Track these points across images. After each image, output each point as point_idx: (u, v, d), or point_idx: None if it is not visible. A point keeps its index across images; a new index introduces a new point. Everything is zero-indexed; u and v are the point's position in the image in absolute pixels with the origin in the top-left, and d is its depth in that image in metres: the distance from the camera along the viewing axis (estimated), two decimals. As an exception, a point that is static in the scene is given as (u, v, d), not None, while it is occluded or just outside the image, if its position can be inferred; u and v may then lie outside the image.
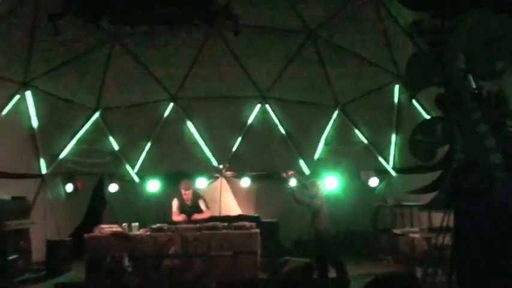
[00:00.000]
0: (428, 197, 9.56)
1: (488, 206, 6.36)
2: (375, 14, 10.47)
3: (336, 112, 13.21)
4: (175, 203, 9.91)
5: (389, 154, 13.11)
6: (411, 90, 6.84)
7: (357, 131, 13.23)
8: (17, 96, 11.45)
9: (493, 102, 5.99)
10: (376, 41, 11.00)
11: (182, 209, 9.84)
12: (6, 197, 10.35)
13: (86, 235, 9.28)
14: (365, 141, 13.21)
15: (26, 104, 11.69)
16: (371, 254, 12.55)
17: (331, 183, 12.89)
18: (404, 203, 11.93)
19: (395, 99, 12.38)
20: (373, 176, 13.21)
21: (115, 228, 9.32)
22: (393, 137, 12.87)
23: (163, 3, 7.66)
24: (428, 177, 9.34)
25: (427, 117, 10.44)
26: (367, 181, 13.27)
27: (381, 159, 13.16)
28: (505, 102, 6.00)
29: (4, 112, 11.23)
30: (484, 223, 6.44)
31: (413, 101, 10.75)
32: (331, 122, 13.28)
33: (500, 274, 6.45)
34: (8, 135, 11.33)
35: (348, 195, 13.05)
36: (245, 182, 13.29)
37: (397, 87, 12.25)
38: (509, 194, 6.29)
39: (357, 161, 13.20)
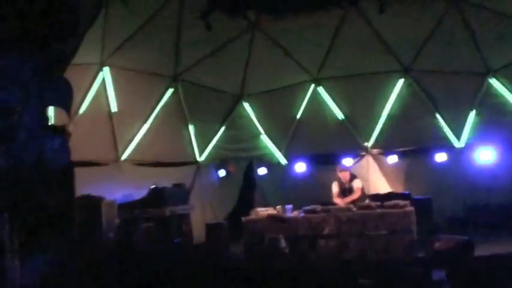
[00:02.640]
0: None
1: None
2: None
3: (488, 79, 12.39)
4: (335, 186, 10.07)
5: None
6: None
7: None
8: (170, 90, 12.25)
9: None
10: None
11: (341, 191, 9.99)
12: (168, 184, 11.13)
13: (243, 218, 9.73)
14: (523, 109, 12.26)
15: (179, 96, 12.47)
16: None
17: (486, 156, 12.18)
18: None
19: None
20: (534, 147, 12.22)
21: (270, 210, 9.66)
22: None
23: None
24: None
25: None
26: (528, 151, 12.31)
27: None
28: None
29: (160, 105, 12.11)
30: None
31: None
32: (483, 90, 12.47)
33: None
34: (165, 127, 12.23)
35: (504, 168, 12.22)
36: (392, 158, 12.97)
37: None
38: None
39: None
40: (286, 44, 12.29)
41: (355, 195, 9.94)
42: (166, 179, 11.44)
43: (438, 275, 7.90)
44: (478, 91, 12.51)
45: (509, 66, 11.99)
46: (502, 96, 12.35)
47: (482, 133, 12.41)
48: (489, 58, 12.01)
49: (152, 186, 10.61)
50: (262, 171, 13.46)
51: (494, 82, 12.35)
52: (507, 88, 12.28)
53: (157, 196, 10.37)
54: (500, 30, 11.31)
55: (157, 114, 12.11)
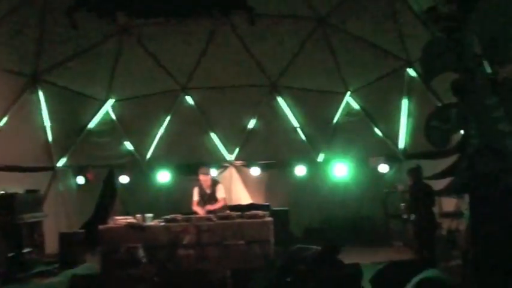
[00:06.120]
0: (439, 183, 9.63)
1: (503, 191, 6.36)
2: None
3: (346, 99, 13.20)
4: (195, 192, 9.97)
5: (398, 140, 13.10)
6: (426, 76, 6.82)
7: (366, 117, 13.21)
8: (28, 90, 11.47)
9: (508, 87, 5.96)
10: (387, 27, 10.95)
11: (201, 197, 9.90)
12: (20, 190, 10.40)
13: (100, 226, 9.34)
14: (375, 127, 13.20)
15: (38, 97, 11.72)
16: (382, 240, 12.61)
17: (340, 170, 12.93)
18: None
19: (405, 85, 12.36)
20: (383, 162, 13.17)
21: (129, 219, 9.39)
22: (403, 123, 12.84)
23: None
24: (438, 163, 9.42)
25: (439, 103, 10.44)
26: (377, 167, 13.23)
27: (390, 145, 13.16)
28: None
29: (16, 106, 11.28)
30: (499, 208, 6.45)
31: (425, 87, 10.74)
32: (341, 108, 13.25)
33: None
34: (20, 129, 11.40)
35: (357, 182, 13.09)
36: (255, 170, 13.30)
37: (407, 74, 12.23)
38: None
39: (366, 147, 13.18)
40: (156, 51, 12.13)
41: (219, 204, 9.92)
42: (18, 184, 10.69)
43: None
44: (337, 109, 13.27)
45: (365, 87, 12.87)
46: (358, 115, 13.21)
47: (339, 149, 13.16)
48: (347, 78, 12.80)
49: (0, 192, 9.84)
50: (124, 179, 13.08)
51: (351, 101, 13.19)
52: (362, 108, 13.16)
53: (5, 202, 9.62)
54: (358, 53, 12.11)
55: (13, 115, 11.27)
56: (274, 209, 11.54)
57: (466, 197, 7.56)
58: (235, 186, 13.38)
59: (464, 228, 8.82)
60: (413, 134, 12.42)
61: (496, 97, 6.02)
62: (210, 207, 9.77)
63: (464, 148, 6.48)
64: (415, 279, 2.04)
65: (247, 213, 9.51)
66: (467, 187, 6.48)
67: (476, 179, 6.29)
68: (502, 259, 6.38)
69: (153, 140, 13.25)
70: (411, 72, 11.92)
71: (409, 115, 12.62)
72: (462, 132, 6.62)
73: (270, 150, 13.34)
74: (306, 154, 13.36)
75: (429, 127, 6.49)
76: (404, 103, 12.50)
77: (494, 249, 6.53)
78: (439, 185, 9.18)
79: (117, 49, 11.97)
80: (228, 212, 9.78)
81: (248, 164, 13.42)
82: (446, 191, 7.45)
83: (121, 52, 12.03)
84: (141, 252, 8.93)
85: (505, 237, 6.48)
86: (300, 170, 13.10)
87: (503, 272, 6.31)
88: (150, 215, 9.54)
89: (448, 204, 10.60)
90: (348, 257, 9.42)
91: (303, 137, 13.38)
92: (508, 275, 6.16)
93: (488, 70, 6.10)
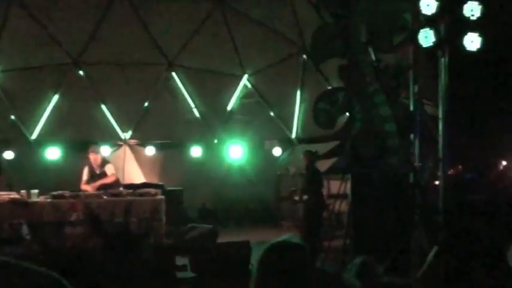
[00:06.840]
0: (328, 164, 10.11)
1: (381, 172, 6.80)
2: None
3: (242, 82, 13.37)
4: (85, 172, 9.69)
5: (293, 124, 13.52)
6: (315, 60, 7.12)
7: (262, 101, 13.47)
8: None
9: (390, 74, 6.37)
10: (282, 12, 11.21)
11: (91, 176, 9.64)
12: None
13: (-20, 202, 8.85)
14: (270, 111, 13.50)
15: None
16: (273, 221, 13.02)
17: (236, 152, 13.11)
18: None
19: (300, 70, 12.74)
20: (277, 146, 13.54)
21: (13, 195, 8.97)
22: (297, 108, 13.26)
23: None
24: (328, 147, 9.90)
25: (329, 87, 10.88)
26: (271, 150, 13.58)
27: (284, 129, 13.53)
28: (401, 75, 6.40)
29: None
30: (378, 188, 6.90)
31: (317, 72, 11.15)
32: (238, 91, 13.41)
33: (395, 235, 6.96)
34: None
35: (251, 164, 13.36)
36: (150, 150, 13.10)
37: (302, 59, 12.60)
38: (400, 160, 6.77)
39: (262, 130, 13.47)
40: (46, 21, 11.54)
41: (109, 179, 9.72)
42: None
43: (182, 260, 8.36)
44: (234, 92, 13.42)
45: (262, 71, 13.11)
46: (254, 98, 13.44)
47: (235, 131, 13.32)
48: (245, 61, 12.96)
49: None
50: (9, 155, 12.37)
51: (248, 84, 13.40)
52: (257, 91, 13.40)
53: None
54: (256, 37, 12.30)
55: None
56: (168, 188, 11.49)
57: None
58: (129, 166, 13.11)
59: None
60: (306, 118, 12.85)
61: (378, 83, 6.41)
62: (100, 181, 9.56)
63: (348, 131, 6.87)
64: (270, 243, 2.15)
65: (139, 190, 9.43)
66: (349, 167, 6.87)
67: (358, 160, 6.69)
68: (377, 239, 6.84)
69: (42, 115, 12.61)
70: (306, 57, 12.29)
71: (302, 100, 13.06)
72: (347, 115, 7.01)
73: (165, 130, 13.18)
74: (202, 135, 13.38)
75: (317, 109, 6.80)
76: (299, 88, 12.91)
77: (371, 229, 6.99)
78: (324, 166, 9.66)
79: (2, 17, 11.26)
80: (119, 189, 9.63)
81: (143, 143, 13.19)
82: (329, 172, 7.86)
83: (7, 20, 11.33)
84: (24, 229, 8.57)
85: (382, 217, 6.96)
86: (196, 151, 13.11)
87: (379, 250, 6.76)
88: (36, 191, 9.16)
89: (335, 186, 11.12)
90: (240, 236, 9.70)
91: (199, 117, 13.37)
92: (384, 253, 6.61)
93: (373, 57, 6.50)
